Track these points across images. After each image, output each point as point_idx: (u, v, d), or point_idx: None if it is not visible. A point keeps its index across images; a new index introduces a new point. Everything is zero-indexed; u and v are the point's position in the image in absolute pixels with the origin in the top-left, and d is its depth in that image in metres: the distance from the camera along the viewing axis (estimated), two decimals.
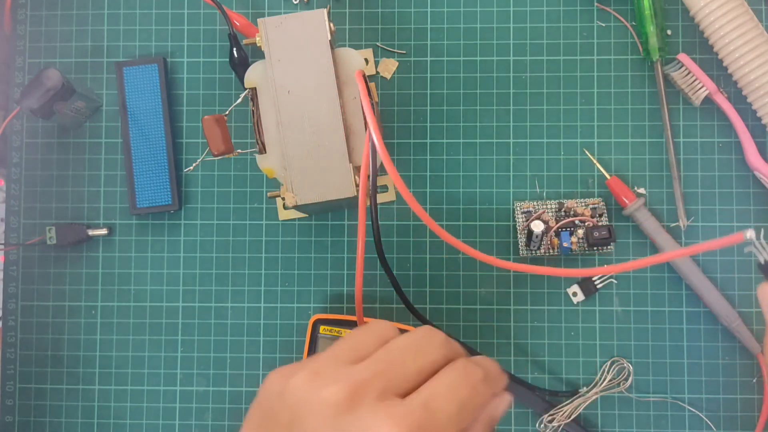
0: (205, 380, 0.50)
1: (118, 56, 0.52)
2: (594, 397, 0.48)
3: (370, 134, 0.41)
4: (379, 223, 0.49)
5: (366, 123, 0.42)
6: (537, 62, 0.51)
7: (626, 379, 0.48)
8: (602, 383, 0.48)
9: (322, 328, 0.48)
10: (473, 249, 0.42)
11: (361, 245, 0.41)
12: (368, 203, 0.50)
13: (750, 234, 0.35)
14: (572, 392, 0.48)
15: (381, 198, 0.50)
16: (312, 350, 0.48)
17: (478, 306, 0.50)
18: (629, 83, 0.51)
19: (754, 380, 0.49)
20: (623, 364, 0.48)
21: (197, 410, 0.50)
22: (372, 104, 0.41)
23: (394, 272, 0.50)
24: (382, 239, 0.50)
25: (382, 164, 0.40)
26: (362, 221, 0.41)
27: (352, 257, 0.50)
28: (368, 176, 0.40)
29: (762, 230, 0.37)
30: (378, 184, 0.50)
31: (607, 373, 0.48)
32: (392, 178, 0.39)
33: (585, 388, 0.48)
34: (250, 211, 0.51)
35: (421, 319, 0.47)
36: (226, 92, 0.52)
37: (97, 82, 0.52)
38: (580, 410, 0.48)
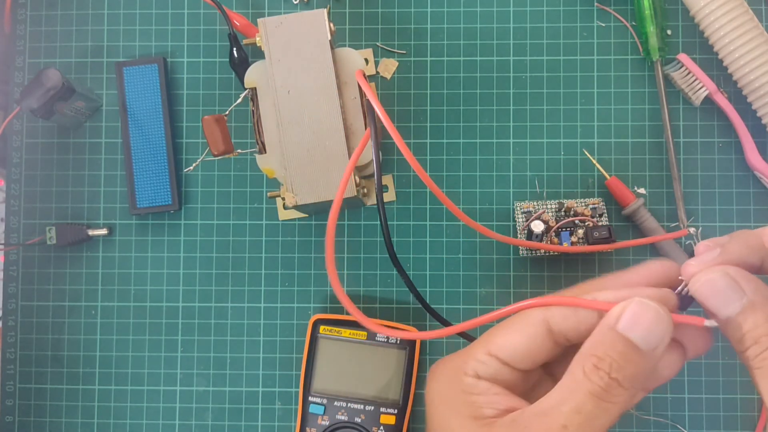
0: (205, 380, 0.50)
1: (118, 56, 0.52)
2: None
3: (373, 123, 0.41)
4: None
5: (366, 122, 0.42)
6: (537, 62, 0.51)
7: None
8: None
9: (322, 328, 0.48)
10: (476, 222, 0.42)
11: (331, 231, 0.39)
12: (368, 204, 0.50)
13: (692, 230, 0.48)
14: None
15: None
16: (312, 350, 0.48)
17: (478, 306, 0.50)
18: (629, 83, 0.51)
19: None
20: None
21: (197, 410, 0.50)
22: (373, 103, 0.41)
23: (394, 272, 0.50)
24: (380, 239, 0.50)
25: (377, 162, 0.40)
26: (334, 215, 0.40)
27: (352, 257, 0.50)
28: (371, 175, 0.40)
29: (701, 228, 0.49)
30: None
31: None
32: (400, 148, 0.39)
33: None
34: (250, 211, 0.51)
35: (438, 319, 0.45)
36: (226, 92, 0.52)
37: (97, 82, 0.52)
38: None
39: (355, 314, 0.36)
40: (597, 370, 0.28)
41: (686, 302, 0.31)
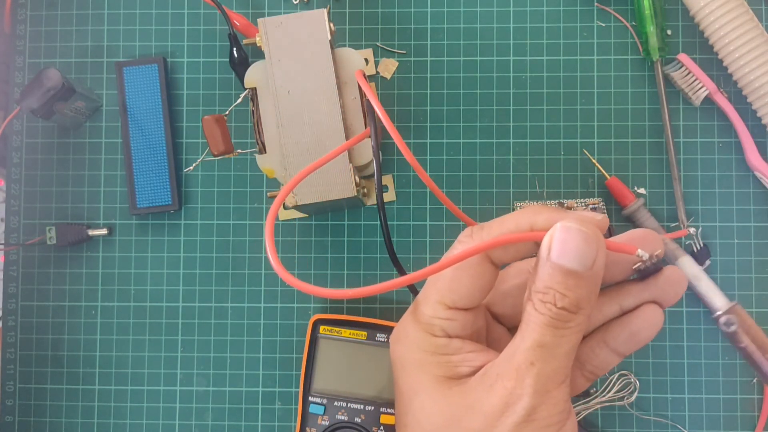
0: (205, 380, 0.50)
1: (118, 56, 0.52)
2: (596, 407, 0.48)
3: (373, 121, 0.41)
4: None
5: (366, 122, 0.42)
6: (537, 62, 0.51)
7: (631, 394, 0.48)
8: (607, 394, 0.48)
9: (322, 328, 0.48)
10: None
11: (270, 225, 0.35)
12: (368, 204, 0.50)
13: (692, 230, 0.48)
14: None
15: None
16: (312, 350, 0.48)
17: None
18: (629, 83, 0.51)
19: (754, 380, 0.49)
20: (630, 378, 0.48)
21: (197, 410, 0.50)
22: (373, 103, 0.41)
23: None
24: (380, 239, 0.50)
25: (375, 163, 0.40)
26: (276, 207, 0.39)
27: (352, 257, 0.50)
28: (371, 175, 0.40)
29: (700, 228, 0.49)
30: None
31: (613, 385, 0.48)
32: (399, 145, 0.39)
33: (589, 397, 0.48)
34: (250, 211, 0.51)
35: None
36: (226, 92, 0.52)
37: (97, 82, 0.52)
38: (581, 417, 0.48)
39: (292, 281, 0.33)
40: (544, 304, 0.28)
41: (649, 273, 0.31)
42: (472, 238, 0.31)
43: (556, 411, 0.28)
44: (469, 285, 0.30)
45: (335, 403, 0.47)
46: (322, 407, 0.47)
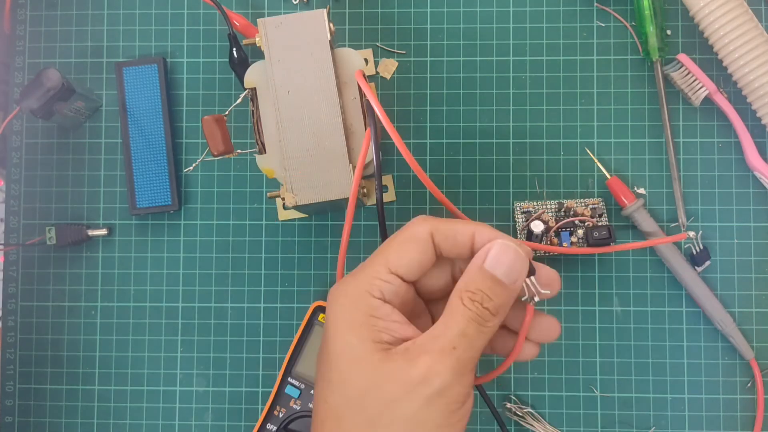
0: (205, 380, 0.50)
1: (118, 56, 0.52)
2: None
3: (373, 125, 0.41)
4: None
5: (366, 122, 0.42)
6: (537, 62, 0.51)
7: None
8: None
9: (321, 316, 0.48)
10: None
11: (346, 235, 0.41)
12: (368, 204, 0.50)
13: (692, 234, 0.48)
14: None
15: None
16: (305, 334, 0.48)
17: None
18: (629, 83, 0.51)
19: (748, 385, 0.49)
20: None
21: (197, 410, 0.50)
22: (372, 103, 0.41)
23: None
24: (380, 239, 0.50)
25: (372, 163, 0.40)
26: (350, 215, 0.40)
27: (352, 257, 0.50)
28: (371, 175, 0.40)
29: (701, 231, 0.49)
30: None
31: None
32: (397, 144, 0.39)
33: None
34: (250, 211, 0.51)
35: None
36: (226, 92, 0.52)
37: (97, 82, 0.52)
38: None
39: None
40: (473, 302, 0.33)
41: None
42: (425, 220, 0.35)
43: (464, 392, 0.33)
44: (413, 256, 0.34)
45: (311, 392, 0.47)
46: (298, 391, 0.47)
